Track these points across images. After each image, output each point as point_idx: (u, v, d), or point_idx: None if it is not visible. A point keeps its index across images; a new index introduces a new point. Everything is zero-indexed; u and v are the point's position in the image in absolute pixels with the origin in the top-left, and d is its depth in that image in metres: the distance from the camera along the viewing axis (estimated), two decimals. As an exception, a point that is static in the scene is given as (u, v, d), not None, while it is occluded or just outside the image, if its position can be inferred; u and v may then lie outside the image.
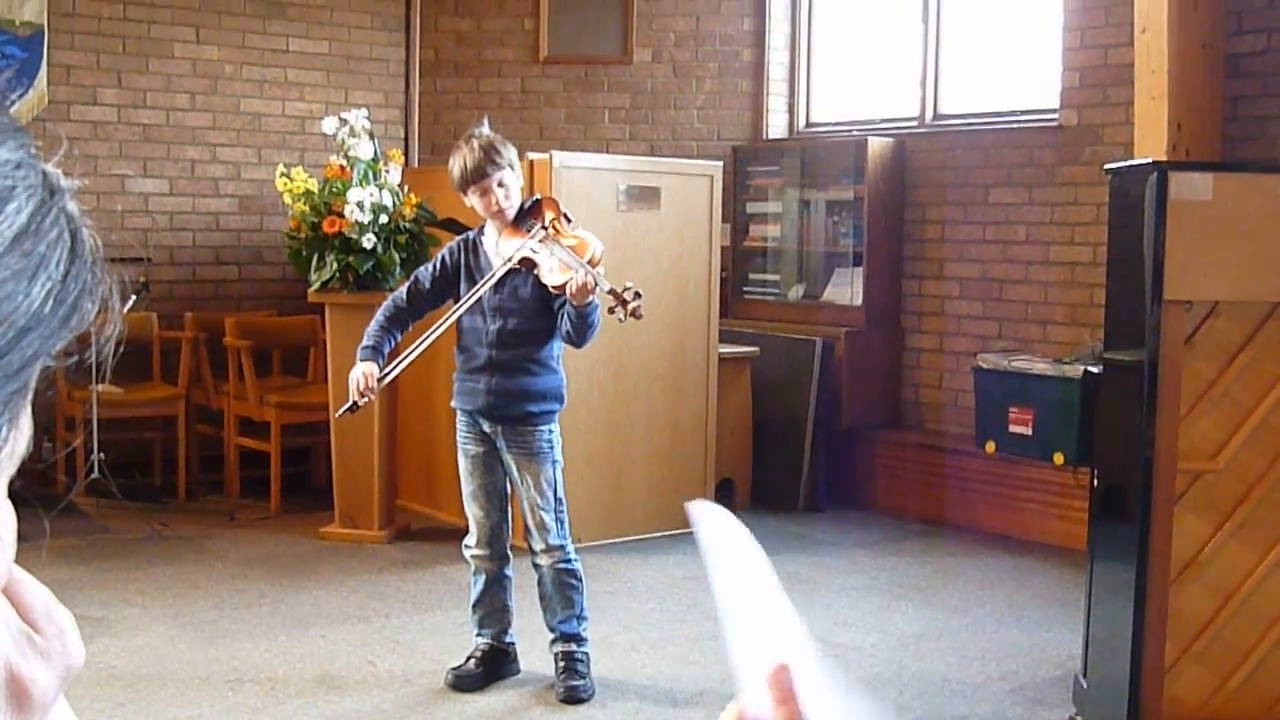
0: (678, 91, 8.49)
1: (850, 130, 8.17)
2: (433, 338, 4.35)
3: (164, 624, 5.17)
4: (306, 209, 6.21)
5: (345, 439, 6.44)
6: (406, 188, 6.34)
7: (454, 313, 4.39)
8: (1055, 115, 7.07)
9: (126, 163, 7.61)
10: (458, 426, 4.57)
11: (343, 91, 8.21)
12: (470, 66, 8.58)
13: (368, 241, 6.10)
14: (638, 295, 4.13)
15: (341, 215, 6.11)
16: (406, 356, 4.40)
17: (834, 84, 8.51)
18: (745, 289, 8.39)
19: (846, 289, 7.83)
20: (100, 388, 6.37)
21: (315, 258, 6.28)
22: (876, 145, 7.65)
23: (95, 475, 6.37)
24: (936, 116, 7.79)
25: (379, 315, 4.51)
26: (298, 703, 4.42)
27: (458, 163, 4.36)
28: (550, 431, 4.48)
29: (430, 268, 4.55)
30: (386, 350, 4.45)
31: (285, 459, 7.12)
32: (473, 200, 4.40)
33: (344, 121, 6.28)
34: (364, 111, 6.38)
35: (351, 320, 6.32)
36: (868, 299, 7.66)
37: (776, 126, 8.53)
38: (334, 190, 6.22)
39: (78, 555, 6.04)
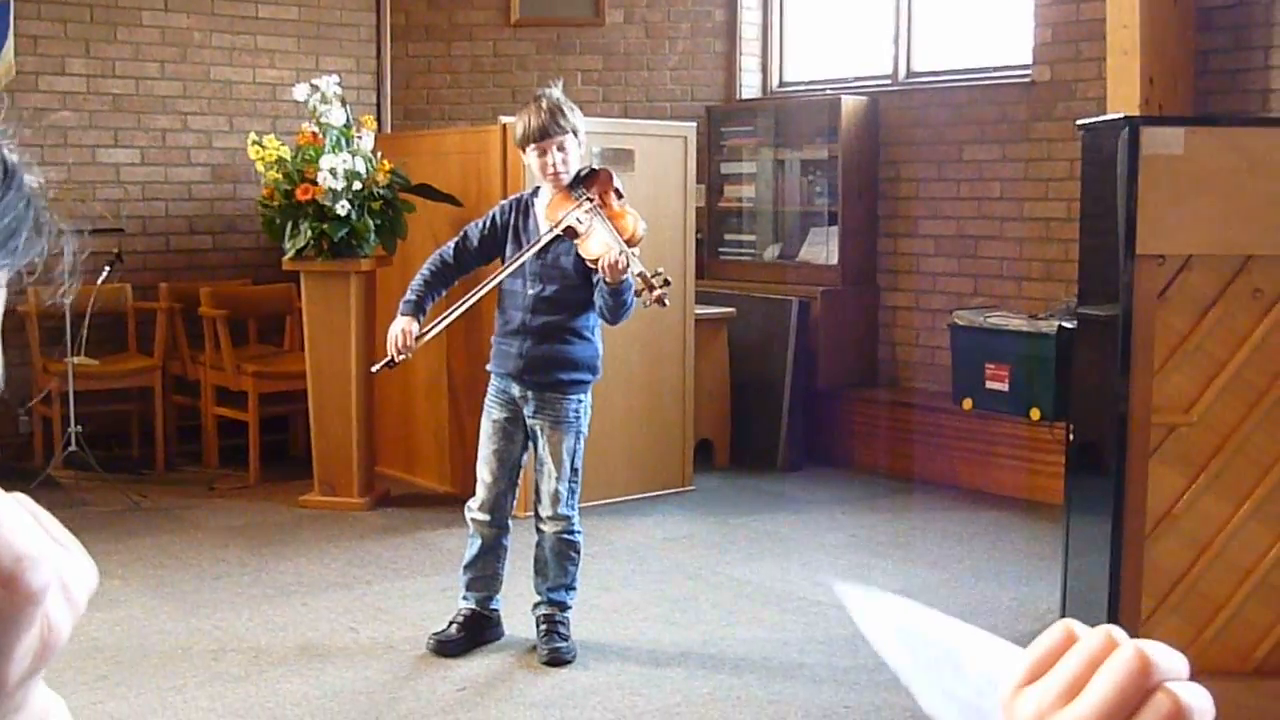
0: (650, 52, 8.46)
1: (824, 89, 8.16)
2: (474, 299, 4.40)
3: (145, 595, 5.16)
4: (279, 177, 6.18)
5: (324, 407, 6.43)
6: (380, 154, 6.31)
7: (496, 277, 4.40)
8: (1028, 71, 7.07)
9: (97, 133, 7.55)
10: (489, 389, 4.57)
11: (313, 58, 8.15)
12: (441, 30, 8.53)
13: (341, 208, 6.07)
14: (666, 283, 4.15)
15: (314, 182, 6.08)
16: (445, 318, 4.43)
17: (807, 43, 8.48)
18: (721, 250, 8.40)
19: (822, 248, 7.84)
20: (75, 360, 6.34)
21: (289, 226, 6.25)
22: (850, 104, 7.64)
23: (73, 448, 6.34)
24: (910, 74, 7.78)
25: (424, 270, 4.51)
26: (280, 671, 4.43)
27: (522, 120, 4.39)
28: (579, 402, 4.48)
29: (480, 225, 4.55)
30: (429, 307, 4.46)
31: (263, 428, 7.10)
32: (529, 159, 4.42)
33: (315, 88, 6.24)
34: (335, 78, 6.34)
35: (327, 288, 6.30)
36: (843, 258, 7.67)
37: (750, 86, 8.50)
38: (306, 157, 6.19)
39: (57, 528, 6.02)
